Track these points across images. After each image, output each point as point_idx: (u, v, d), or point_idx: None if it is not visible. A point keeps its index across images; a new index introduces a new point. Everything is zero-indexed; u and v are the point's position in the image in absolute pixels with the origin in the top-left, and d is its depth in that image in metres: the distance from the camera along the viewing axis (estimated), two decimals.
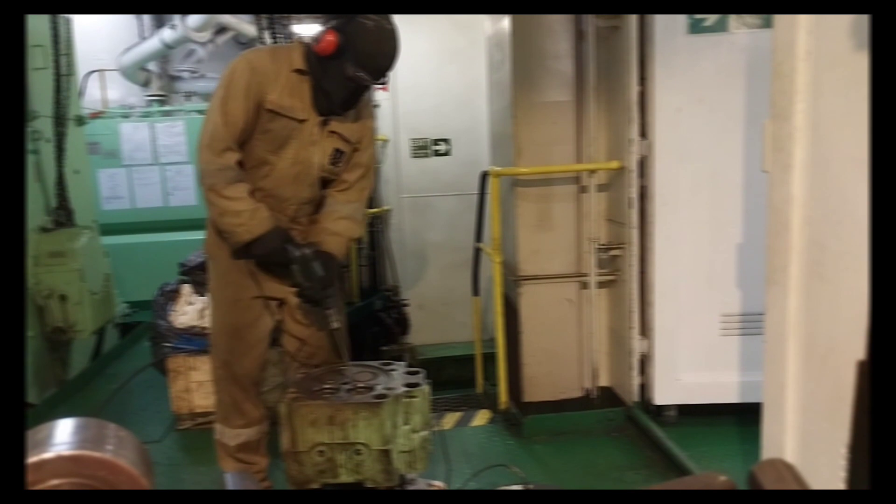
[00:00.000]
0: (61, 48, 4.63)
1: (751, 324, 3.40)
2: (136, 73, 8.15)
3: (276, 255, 2.58)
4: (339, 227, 2.73)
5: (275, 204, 2.67)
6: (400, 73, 5.82)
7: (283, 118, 2.55)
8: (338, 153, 2.68)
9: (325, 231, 2.72)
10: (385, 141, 6.00)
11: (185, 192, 6.73)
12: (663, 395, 3.63)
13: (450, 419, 4.18)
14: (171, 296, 4.17)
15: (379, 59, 2.51)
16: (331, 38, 2.46)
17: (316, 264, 2.57)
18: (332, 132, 2.64)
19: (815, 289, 1.80)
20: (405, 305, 6.04)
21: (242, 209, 2.52)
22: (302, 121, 2.59)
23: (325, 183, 2.74)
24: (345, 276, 5.56)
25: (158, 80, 8.46)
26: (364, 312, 5.86)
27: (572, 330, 4.04)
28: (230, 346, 2.78)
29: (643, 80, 3.49)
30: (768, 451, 2.04)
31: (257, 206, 2.56)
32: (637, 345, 3.69)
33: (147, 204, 6.73)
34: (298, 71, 2.56)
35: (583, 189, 3.91)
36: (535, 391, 4.04)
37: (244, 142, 2.57)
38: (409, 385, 2.37)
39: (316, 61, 2.54)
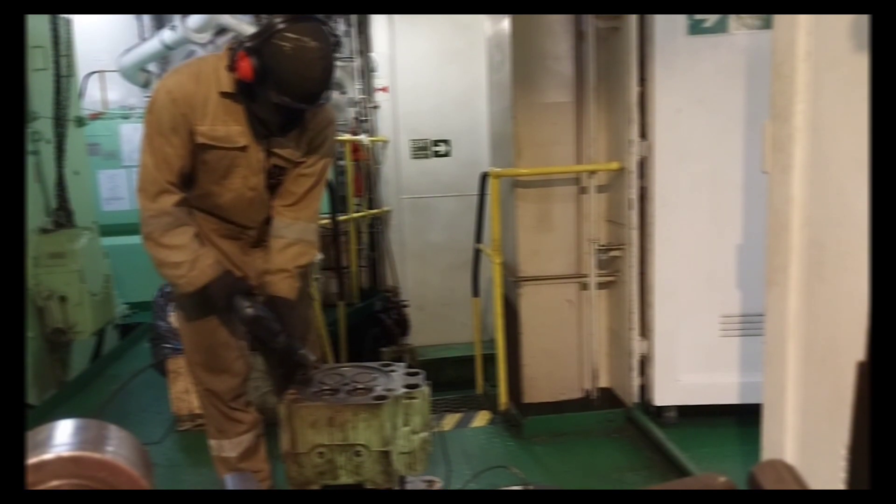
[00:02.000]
0: (61, 49, 4.63)
1: (751, 325, 3.40)
2: (136, 74, 8.15)
3: (227, 309, 2.41)
4: (287, 257, 2.52)
5: (237, 230, 2.57)
6: (400, 73, 5.84)
7: (218, 150, 2.35)
8: (277, 168, 2.48)
9: (271, 270, 2.52)
10: (385, 142, 6.00)
11: None
12: (663, 396, 3.62)
13: (450, 420, 4.18)
14: (171, 297, 4.16)
15: (303, 84, 2.22)
16: (246, 63, 2.18)
17: (269, 322, 2.38)
18: (272, 153, 2.44)
19: (815, 289, 1.80)
20: (405, 306, 6.04)
21: (181, 260, 2.34)
22: (243, 147, 2.37)
23: (273, 187, 2.53)
24: (343, 277, 5.56)
25: (158, 81, 8.45)
26: (364, 313, 5.86)
27: (572, 331, 4.04)
28: (207, 365, 2.64)
29: (643, 80, 3.49)
30: (768, 451, 2.04)
31: (198, 254, 2.36)
32: (637, 346, 3.69)
33: None
34: (227, 94, 2.31)
35: (583, 190, 3.91)
36: (535, 392, 4.04)
37: (188, 175, 2.39)
38: (408, 386, 2.37)
39: (241, 84, 2.27)
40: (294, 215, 2.53)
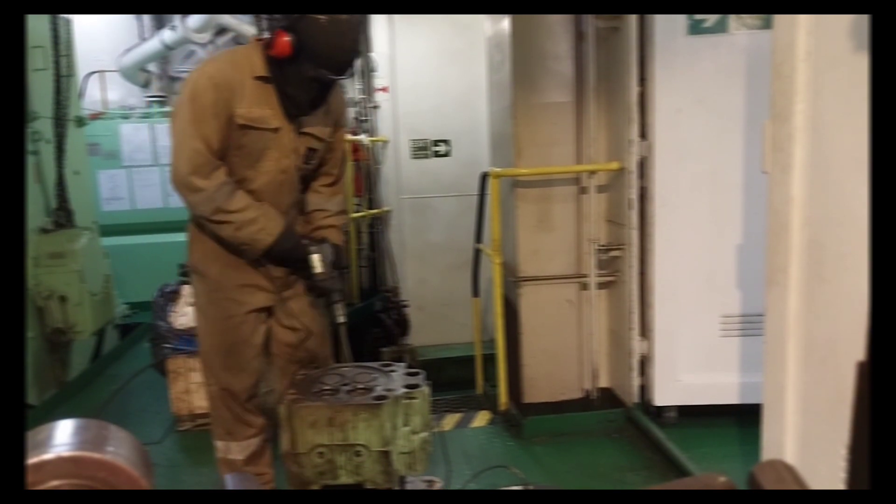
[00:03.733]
0: (61, 49, 4.63)
1: (751, 325, 3.40)
2: (137, 74, 8.15)
3: (295, 251, 2.57)
4: (332, 221, 2.76)
5: None
6: (400, 73, 5.84)
7: (255, 130, 2.46)
8: (311, 151, 2.62)
9: (322, 225, 2.73)
10: (385, 142, 6.00)
11: None
12: (663, 396, 3.62)
13: (450, 420, 4.18)
14: (171, 297, 4.16)
15: (338, 54, 2.39)
16: (284, 39, 2.33)
17: (330, 252, 2.60)
18: (304, 133, 2.57)
19: (815, 289, 1.80)
20: (405, 306, 6.03)
21: (255, 215, 2.48)
22: (276, 129, 2.50)
23: (305, 180, 2.69)
24: (345, 276, 5.55)
25: (158, 81, 8.46)
26: (364, 313, 5.85)
27: (572, 331, 4.04)
28: (226, 364, 2.68)
29: (643, 80, 3.49)
30: (768, 452, 2.04)
31: (263, 207, 2.52)
32: (637, 346, 3.69)
33: (147, 205, 6.74)
34: (261, 78, 2.45)
35: (583, 190, 3.91)
36: (535, 392, 4.04)
37: (222, 158, 2.50)
38: (408, 386, 2.37)
39: (275, 64, 2.42)
40: (332, 191, 2.78)
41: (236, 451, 2.77)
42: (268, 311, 2.72)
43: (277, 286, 2.67)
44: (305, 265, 2.58)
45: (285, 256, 2.59)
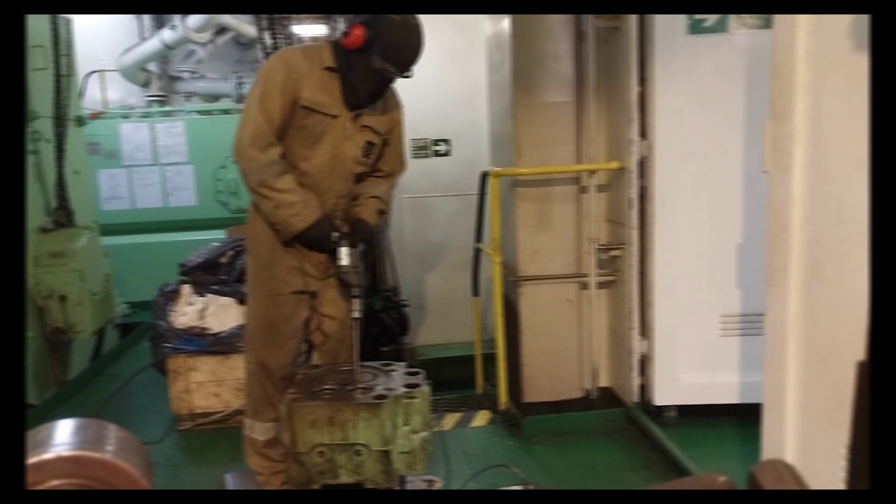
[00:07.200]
0: (61, 49, 4.63)
1: (751, 324, 3.40)
2: (137, 73, 8.16)
3: (324, 240, 2.72)
4: (371, 202, 2.91)
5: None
6: None
7: (317, 114, 2.66)
8: (369, 145, 2.80)
9: (360, 202, 2.90)
10: None
11: (184, 193, 6.73)
12: (663, 395, 3.63)
13: (450, 420, 4.18)
14: (171, 296, 4.17)
15: (405, 52, 2.66)
16: (359, 32, 2.58)
17: (359, 251, 2.75)
18: (364, 126, 2.76)
19: (815, 289, 1.81)
20: (405, 306, 6.03)
21: (295, 200, 2.64)
22: (334, 116, 2.70)
23: (360, 178, 2.87)
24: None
25: (158, 80, 8.47)
26: (364, 313, 5.84)
27: (572, 330, 4.04)
28: (266, 340, 2.85)
29: (643, 80, 3.49)
30: (768, 451, 2.04)
31: (306, 195, 2.68)
32: (637, 345, 3.69)
33: (147, 204, 6.74)
34: (328, 69, 2.67)
35: (583, 189, 3.91)
36: (535, 392, 4.04)
37: (281, 138, 2.68)
38: (408, 386, 2.37)
39: (343, 56, 2.66)
40: (381, 180, 2.95)
41: (259, 431, 2.90)
42: (311, 296, 2.87)
43: (321, 272, 2.82)
44: (333, 255, 2.73)
45: (314, 244, 2.74)
